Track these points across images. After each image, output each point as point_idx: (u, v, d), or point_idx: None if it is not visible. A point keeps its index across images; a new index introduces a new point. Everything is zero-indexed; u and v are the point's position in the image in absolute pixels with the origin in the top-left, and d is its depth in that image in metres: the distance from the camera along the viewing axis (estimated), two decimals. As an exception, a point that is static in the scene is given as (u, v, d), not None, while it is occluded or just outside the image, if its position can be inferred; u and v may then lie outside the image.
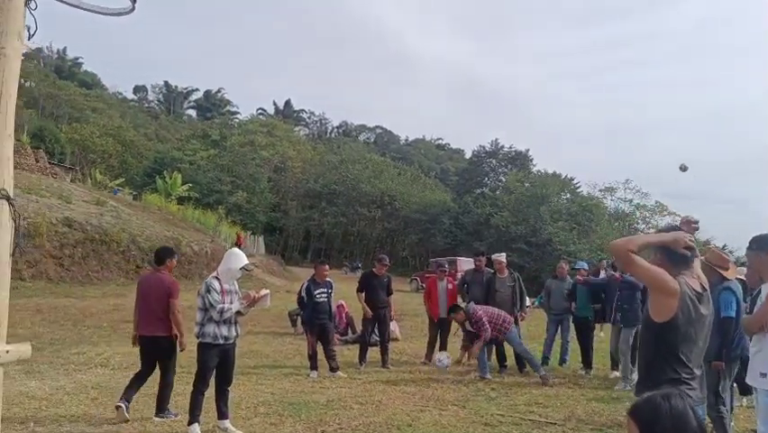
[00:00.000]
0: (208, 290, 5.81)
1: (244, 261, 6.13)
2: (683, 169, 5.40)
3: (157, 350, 6.52)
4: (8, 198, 2.30)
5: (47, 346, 10.36)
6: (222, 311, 5.76)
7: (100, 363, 9.13)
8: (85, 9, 2.63)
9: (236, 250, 6.43)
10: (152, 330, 6.47)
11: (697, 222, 3.21)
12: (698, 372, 2.83)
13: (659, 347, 2.79)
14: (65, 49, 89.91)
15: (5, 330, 2.35)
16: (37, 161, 33.92)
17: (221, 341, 5.85)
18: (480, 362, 9.18)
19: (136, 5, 2.66)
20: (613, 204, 56.06)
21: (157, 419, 6.34)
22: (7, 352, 2.32)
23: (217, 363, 5.89)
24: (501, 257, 10.58)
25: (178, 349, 6.53)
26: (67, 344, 10.78)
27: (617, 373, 9.12)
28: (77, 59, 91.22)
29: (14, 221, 2.33)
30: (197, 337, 5.86)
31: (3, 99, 2.33)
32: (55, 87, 63.69)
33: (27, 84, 63.78)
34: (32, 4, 2.40)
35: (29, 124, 47.21)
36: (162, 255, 6.87)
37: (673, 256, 2.85)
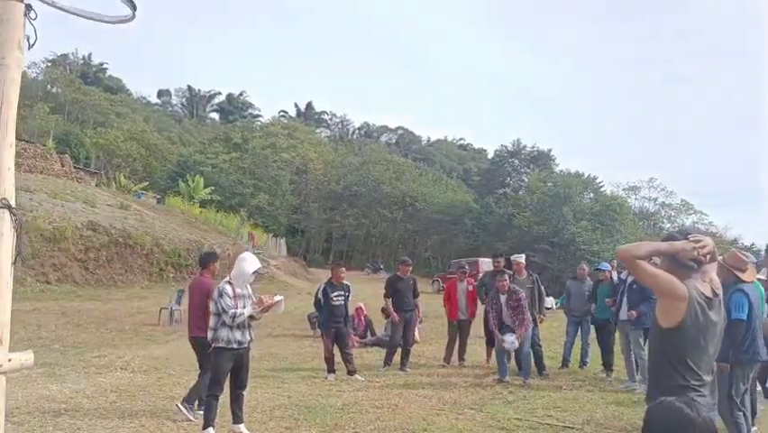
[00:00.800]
0: (221, 295, 5.83)
1: (257, 264, 6.16)
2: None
3: (197, 350, 6.71)
4: (9, 207, 2.31)
5: (70, 349, 10.52)
6: (234, 316, 5.78)
7: (120, 366, 9.24)
8: (85, 17, 2.64)
9: (248, 254, 6.46)
10: (195, 332, 6.62)
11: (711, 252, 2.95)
12: (707, 378, 2.76)
13: (667, 354, 2.73)
14: (90, 55, 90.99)
15: (8, 338, 2.36)
16: (62, 166, 34.43)
17: (235, 345, 5.86)
18: (499, 364, 9.10)
19: (136, 13, 2.66)
20: (637, 203, 55.54)
21: (179, 406, 6.50)
22: (9, 360, 2.34)
23: (231, 368, 5.91)
24: (520, 258, 10.50)
25: None
26: (89, 347, 10.92)
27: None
28: (101, 64, 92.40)
29: (16, 230, 2.34)
30: (210, 342, 5.88)
31: (3, 109, 2.34)
32: (80, 92, 64.54)
33: (53, 90, 64.91)
34: (32, 14, 2.41)
35: (54, 130, 48.00)
36: (205, 259, 7.27)
37: (682, 261, 2.79)
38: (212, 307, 5.93)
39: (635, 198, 55.22)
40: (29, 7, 2.40)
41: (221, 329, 5.81)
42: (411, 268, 10.31)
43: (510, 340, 8.86)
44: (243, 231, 39.05)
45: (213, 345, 5.86)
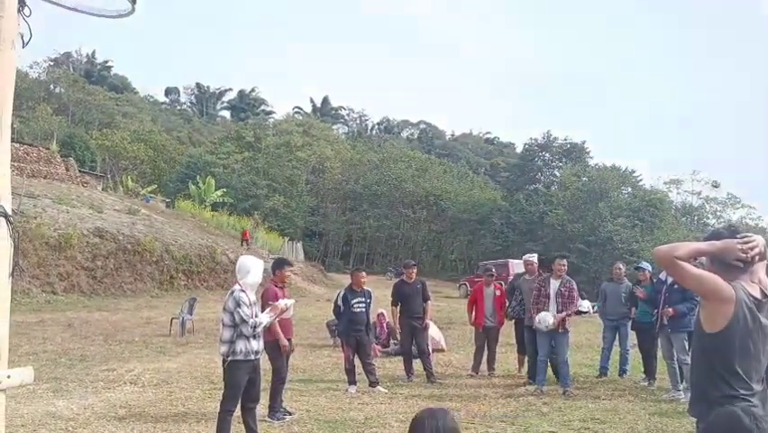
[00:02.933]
0: (239, 305, 5.79)
1: (261, 266, 6.18)
2: (715, 185, 5.18)
3: (267, 354, 6.97)
4: (6, 215, 2.32)
5: (77, 363, 10.62)
6: (255, 326, 5.79)
7: (130, 380, 9.31)
8: (83, 12, 2.65)
9: (253, 258, 6.40)
10: (265, 336, 6.70)
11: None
12: (758, 387, 2.69)
13: (712, 361, 2.68)
14: (94, 52, 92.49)
15: (6, 353, 2.37)
16: (67, 170, 34.93)
17: (252, 357, 5.89)
18: (537, 372, 9.01)
19: (136, 6, 2.67)
20: (680, 197, 54.91)
21: (269, 419, 6.90)
22: (8, 377, 2.34)
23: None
24: (532, 258, 10.46)
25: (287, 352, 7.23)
26: (97, 360, 11.02)
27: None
28: (106, 62, 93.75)
29: (13, 239, 2.35)
30: (226, 357, 5.84)
31: (-2, 111, 2.36)
32: (84, 91, 65.49)
33: (56, 90, 65.82)
34: (26, 11, 2.43)
35: (58, 132, 48.70)
36: (272, 266, 7.55)
37: (727, 262, 2.73)
38: (225, 318, 5.87)
39: (677, 193, 54.63)
40: (22, 3, 2.42)
41: (238, 341, 5.80)
42: (415, 270, 10.22)
43: (545, 318, 8.65)
44: (258, 235, 39.25)
45: (229, 359, 5.85)
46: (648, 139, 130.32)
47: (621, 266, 10.71)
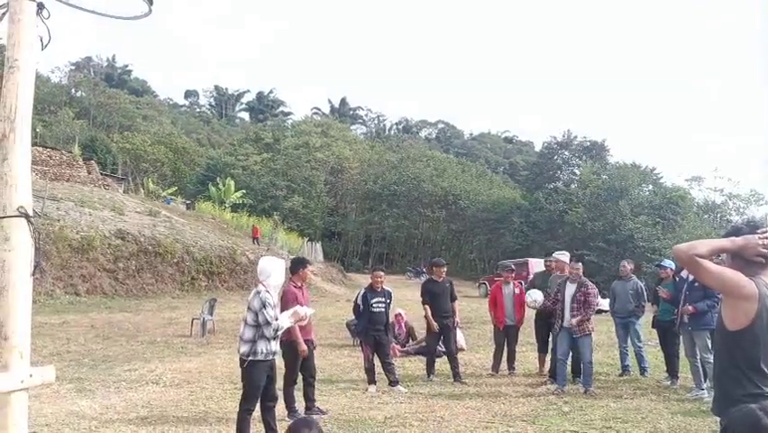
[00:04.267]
0: (264, 306, 5.82)
1: (283, 267, 6.21)
2: None
3: (283, 354, 7.04)
4: (27, 216, 2.35)
5: (99, 363, 10.74)
6: (277, 329, 5.84)
7: (152, 380, 9.39)
8: (101, 15, 2.67)
9: (274, 260, 6.44)
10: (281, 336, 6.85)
11: None
12: None
13: (735, 359, 2.63)
14: (114, 56, 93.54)
15: (29, 352, 2.40)
16: (89, 173, 35.34)
17: (270, 357, 5.93)
18: (558, 372, 8.95)
19: (152, 8, 2.68)
20: (701, 194, 54.30)
21: (288, 421, 6.82)
22: (30, 376, 2.37)
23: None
24: (563, 255, 10.39)
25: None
26: (119, 360, 11.13)
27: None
28: (126, 66, 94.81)
29: (34, 240, 2.37)
30: (246, 357, 5.89)
31: (18, 114, 2.38)
32: (105, 95, 66.20)
33: (78, 94, 66.60)
34: (45, 14, 2.45)
35: (80, 135, 49.27)
36: (291, 266, 7.56)
37: (748, 258, 2.68)
38: (249, 318, 5.91)
39: (699, 190, 54.00)
40: (41, 6, 2.44)
41: (259, 342, 5.84)
42: (445, 270, 10.17)
43: (534, 298, 9.33)
44: (278, 236, 39.38)
45: (249, 359, 5.88)
46: (668, 137, 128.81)
47: (627, 264, 10.65)
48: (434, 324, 9.66)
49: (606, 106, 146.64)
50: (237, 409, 6.03)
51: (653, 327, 9.96)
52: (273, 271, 6.07)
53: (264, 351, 5.85)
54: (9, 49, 2.39)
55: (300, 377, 7.43)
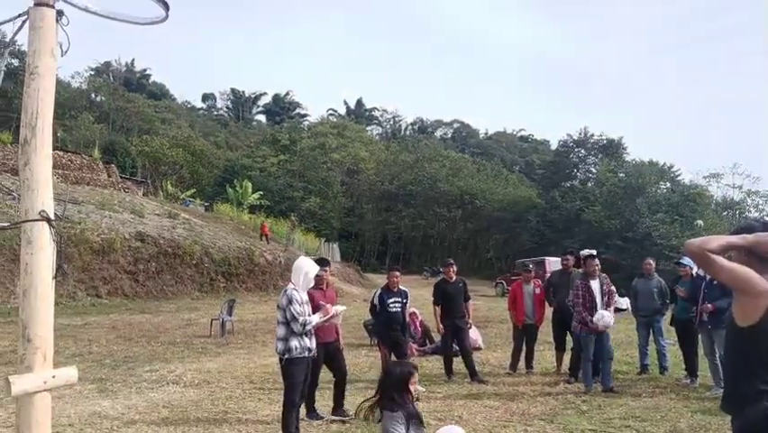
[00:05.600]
0: (290, 302, 5.91)
1: (316, 268, 6.26)
2: None
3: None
4: (48, 220, 2.38)
5: (121, 364, 10.83)
6: (305, 324, 5.88)
7: (172, 380, 9.45)
8: (119, 20, 2.71)
9: (305, 258, 6.54)
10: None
11: None
12: None
13: (746, 355, 2.61)
14: (132, 61, 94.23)
15: (51, 354, 2.43)
16: (109, 176, 35.68)
17: (306, 353, 5.99)
18: (584, 372, 8.89)
19: (169, 14, 2.71)
20: (720, 191, 53.76)
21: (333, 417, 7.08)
22: (53, 377, 2.41)
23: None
24: (592, 252, 10.33)
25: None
26: (140, 361, 11.22)
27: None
28: (144, 70, 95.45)
29: (56, 243, 2.41)
30: (283, 355, 5.96)
31: (39, 120, 2.42)
32: (124, 99, 66.81)
33: (97, 98, 67.28)
34: (64, 21, 2.48)
35: (100, 139, 49.76)
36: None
37: (760, 254, 2.66)
38: (279, 315, 6.02)
39: (718, 186, 53.45)
40: (60, 13, 2.47)
41: (292, 339, 5.91)
42: (455, 269, 10.10)
43: (603, 316, 8.58)
44: (295, 237, 39.48)
45: (285, 357, 5.94)
46: (687, 133, 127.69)
47: (651, 261, 10.57)
48: (441, 326, 9.67)
49: (623, 104, 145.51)
50: (279, 409, 6.17)
51: (670, 324, 9.89)
52: (302, 270, 6.13)
53: (298, 347, 5.91)
54: (30, 56, 2.43)
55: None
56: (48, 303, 2.42)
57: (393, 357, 9.09)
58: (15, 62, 43.95)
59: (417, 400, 4.10)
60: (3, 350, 11.74)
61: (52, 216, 2.42)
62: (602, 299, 8.79)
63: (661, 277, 10.50)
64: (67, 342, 12.72)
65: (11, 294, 17.40)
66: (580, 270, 9.77)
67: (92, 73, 77.37)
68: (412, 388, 4.02)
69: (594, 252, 10.57)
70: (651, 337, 10.13)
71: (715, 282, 7.97)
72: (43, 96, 2.44)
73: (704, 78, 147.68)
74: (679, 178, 52.03)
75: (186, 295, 23.89)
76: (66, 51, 2.52)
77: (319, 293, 7.14)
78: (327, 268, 7.55)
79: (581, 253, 10.49)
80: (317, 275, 7.29)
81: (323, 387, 7.44)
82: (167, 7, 2.71)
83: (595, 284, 8.86)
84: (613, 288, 9.01)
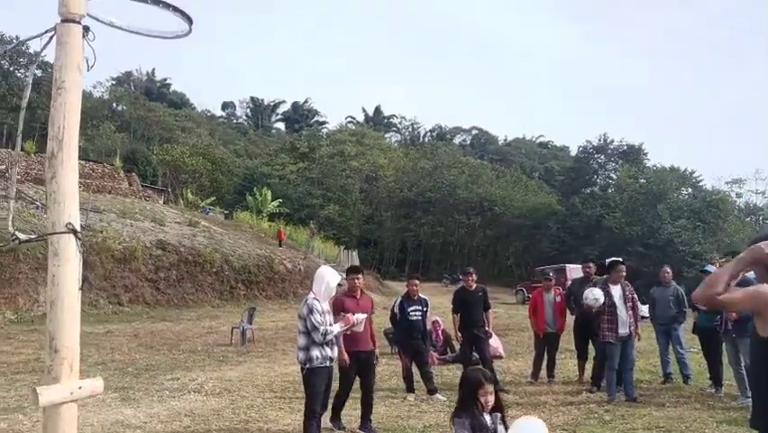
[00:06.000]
0: (311, 312, 5.91)
1: (338, 277, 6.27)
2: None
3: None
4: (75, 232, 2.41)
5: (143, 372, 10.91)
6: (325, 333, 5.89)
7: (194, 388, 9.50)
8: (143, 35, 2.74)
9: (327, 267, 6.55)
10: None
11: None
12: None
13: None
14: (153, 70, 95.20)
15: (78, 365, 2.46)
16: (130, 185, 36.04)
17: (328, 363, 6.00)
18: (608, 381, 8.80)
19: (192, 27, 2.74)
20: (742, 198, 53.18)
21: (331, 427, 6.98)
22: (80, 388, 2.43)
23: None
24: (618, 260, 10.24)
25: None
26: (162, 369, 11.29)
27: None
28: (165, 79, 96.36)
29: (81, 254, 2.44)
30: (304, 364, 5.96)
31: (65, 134, 2.45)
32: (145, 108, 67.57)
33: (119, 108, 68.08)
34: (90, 36, 2.52)
35: (121, 148, 50.29)
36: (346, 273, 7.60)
37: None
38: (299, 325, 6.03)
39: (740, 192, 52.87)
40: (87, 29, 2.51)
41: (313, 348, 5.91)
42: (475, 277, 9.97)
43: (592, 291, 8.72)
44: (314, 244, 39.57)
45: (306, 367, 5.96)
46: (708, 140, 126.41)
47: (668, 269, 10.46)
48: (459, 334, 9.63)
49: (644, 110, 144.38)
50: (302, 418, 6.13)
51: (693, 332, 9.77)
52: (323, 279, 6.13)
53: (319, 357, 5.91)
54: (56, 71, 2.47)
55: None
56: (74, 314, 2.44)
57: (414, 365, 9.08)
58: (39, 72, 44.59)
59: (497, 412, 4.01)
60: (27, 358, 11.88)
61: (78, 229, 2.45)
62: (625, 305, 8.72)
63: (685, 284, 10.41)
64: (89, 350, 12.83)
65: (34, 302, 17.60)
66: (604, 277, 9.70)
67: (113, 83, 78.42)
68: (482, 399, 3.92)
69: (620, 258, 10.49)
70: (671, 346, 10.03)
71: None
72: (70, 111, 2.48)
73: (725, 82, 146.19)
74: (701, 183, 51.55)
75: (206, 303, 24.04)
76: (92, 66, 2.56)
77: (351, 301, 7.09)
78: (360, 275, 7.48)
79: (607, 260, 10.40)
80: (348, 282, 7.30)
81: (353, 396, 7.37)
82: (190, 21, 2.74)
83: (616, 290, 8.79)
84: (635, 295, 8.94)
